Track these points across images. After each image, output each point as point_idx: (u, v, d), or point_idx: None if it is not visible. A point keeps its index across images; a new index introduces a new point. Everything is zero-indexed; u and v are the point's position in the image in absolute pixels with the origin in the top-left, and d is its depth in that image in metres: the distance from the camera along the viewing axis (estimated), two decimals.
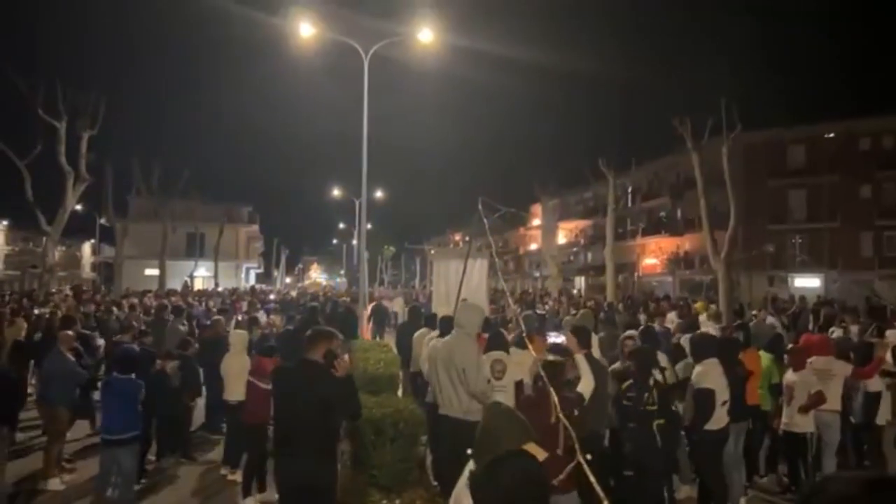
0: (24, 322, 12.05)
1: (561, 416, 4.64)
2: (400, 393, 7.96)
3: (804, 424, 6.86)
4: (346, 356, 4.79)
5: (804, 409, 6.81)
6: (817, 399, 6.81)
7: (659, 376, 6.31)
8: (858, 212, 35.02)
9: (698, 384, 6.07)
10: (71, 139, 22.54)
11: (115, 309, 15.44)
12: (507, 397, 6.77)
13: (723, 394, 6.07)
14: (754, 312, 15.71)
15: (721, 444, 6.33)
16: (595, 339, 8.19)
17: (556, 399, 4.68)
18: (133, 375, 6.65)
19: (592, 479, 3.27)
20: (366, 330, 15.90)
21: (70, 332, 8.61)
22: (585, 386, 5.34)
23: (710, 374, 6.07)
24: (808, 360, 7.17)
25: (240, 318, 14.53)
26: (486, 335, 6.97)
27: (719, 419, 6.07)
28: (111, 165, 30.16)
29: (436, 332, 8.43)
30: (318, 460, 4.56)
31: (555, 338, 8.17)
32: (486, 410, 2.94)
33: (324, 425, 4.59)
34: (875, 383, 7.44)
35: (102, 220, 41.54)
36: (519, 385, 6.84)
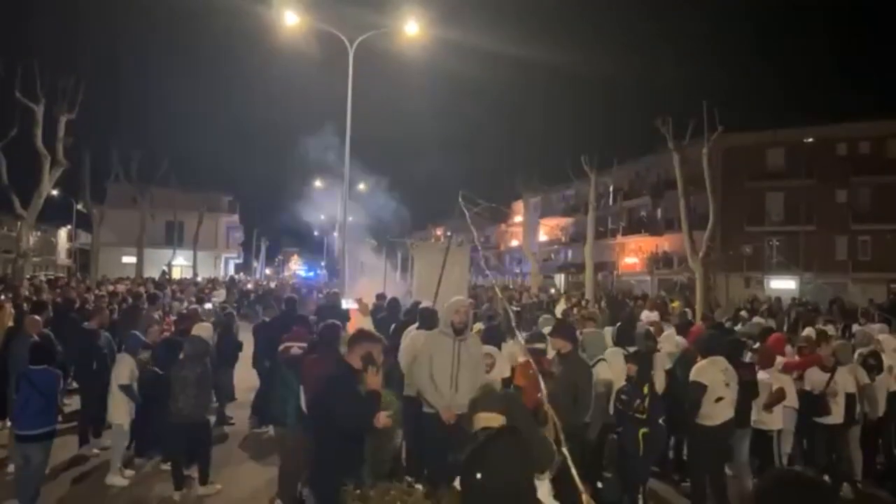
0: (12, 308, 11.80)
1: (548, 408, 4.66)
2: None
3: (770, 422, 6.97)
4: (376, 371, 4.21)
5: (767, 407, 6.92)
6: (778, 396, 6.94)
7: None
8: (834, 216, 35.51)
9: (692, 377, 6.30)
10: (48, 123, 22.14)
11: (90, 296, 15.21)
12: None
13: (718, 391, 6.15)
14: (742, 312, 15.85)
15: (716, 442, 6.28)
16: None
17: (543, 387, 4.73)
18: (46, 366, 6.22)
19: (574, 471, 3.30)
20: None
21: (37, 318, 8.47)
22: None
23: (705, 370, 6.25)
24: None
25: (208, 306, 14.34)
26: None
27: (712, 415, 6.13)
28: (89, 151, 29.62)
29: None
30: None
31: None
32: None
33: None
34: (850, 384, 7.46)
35: (79, 206, 40.89)
36: (506, 381, 6.88)
